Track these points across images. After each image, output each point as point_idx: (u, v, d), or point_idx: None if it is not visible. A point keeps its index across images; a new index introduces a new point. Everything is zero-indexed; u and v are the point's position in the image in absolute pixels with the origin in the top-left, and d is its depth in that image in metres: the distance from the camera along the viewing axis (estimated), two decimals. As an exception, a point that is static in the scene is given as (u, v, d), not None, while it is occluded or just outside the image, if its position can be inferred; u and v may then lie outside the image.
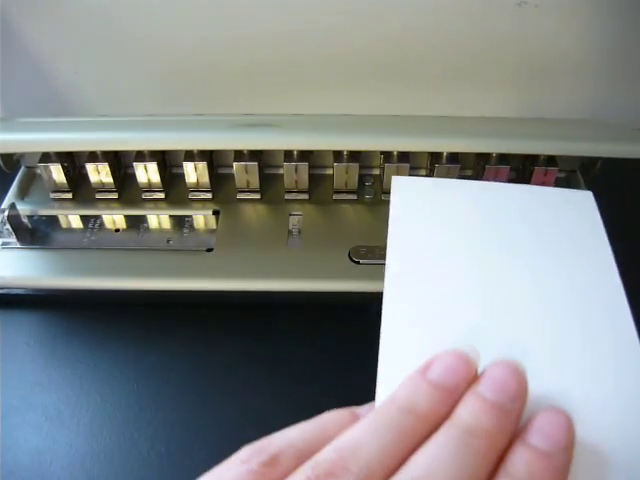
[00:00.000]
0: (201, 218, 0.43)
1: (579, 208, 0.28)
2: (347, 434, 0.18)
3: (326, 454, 0.18)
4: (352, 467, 0.17)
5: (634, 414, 0.20)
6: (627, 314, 0.23)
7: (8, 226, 0.41)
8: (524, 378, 0.19)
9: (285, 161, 0.42)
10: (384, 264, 0.33)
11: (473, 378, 0.20)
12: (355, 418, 0.20)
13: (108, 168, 0.42)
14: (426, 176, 0.45)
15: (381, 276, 0.38)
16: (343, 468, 0.17)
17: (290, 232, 0.42)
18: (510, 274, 0.25)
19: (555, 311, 0.23)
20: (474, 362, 0.20)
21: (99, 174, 0.43)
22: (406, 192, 0.28)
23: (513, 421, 0.18)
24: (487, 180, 0.42)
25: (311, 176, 0.43)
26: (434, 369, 0.20)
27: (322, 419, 0.20)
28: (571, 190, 0.29)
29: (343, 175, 0.43)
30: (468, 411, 0.18)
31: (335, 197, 0.44)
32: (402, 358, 0.21)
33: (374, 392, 0.20)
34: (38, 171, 0.44)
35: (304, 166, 0.42)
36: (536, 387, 0.19)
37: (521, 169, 0.45)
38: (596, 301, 0.24)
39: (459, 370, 0.19)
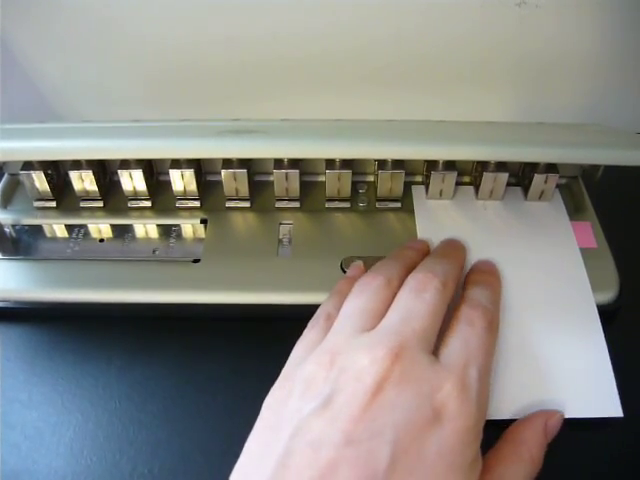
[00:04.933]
0: (189, 227, 0.42)
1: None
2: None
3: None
4: (383, 273, 0.32)
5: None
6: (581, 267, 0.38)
7: (-11, 236, 0.39)
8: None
9: (275, 168, 0.41)
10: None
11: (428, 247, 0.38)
12: None
13: (92, 176, 0.41)
14: (422, 183, 0.44)
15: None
16: (375, 274, 0.32)
17: (280, 242, 0.41)
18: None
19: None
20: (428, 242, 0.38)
21: (83, 182, 0.41)
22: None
23: (461, 256, 0.36)
24: (485, 186, 0.41)
25: (302, 183, 0.42)
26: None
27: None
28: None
29: (335, 182, 0.41)
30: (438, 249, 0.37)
31: (327, 205, 0.43)
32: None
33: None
34: (22, 178, 0.42)
35: (295, 173, 0.41)
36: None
37: (520, 175, 0.43)
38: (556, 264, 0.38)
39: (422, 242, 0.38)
